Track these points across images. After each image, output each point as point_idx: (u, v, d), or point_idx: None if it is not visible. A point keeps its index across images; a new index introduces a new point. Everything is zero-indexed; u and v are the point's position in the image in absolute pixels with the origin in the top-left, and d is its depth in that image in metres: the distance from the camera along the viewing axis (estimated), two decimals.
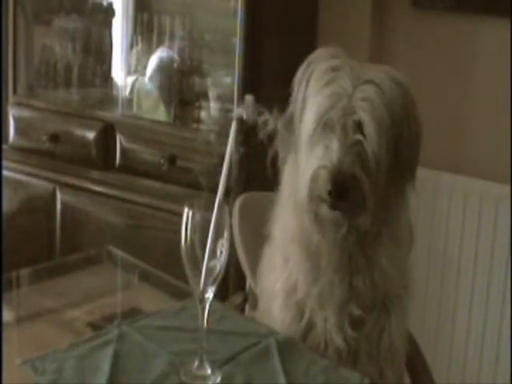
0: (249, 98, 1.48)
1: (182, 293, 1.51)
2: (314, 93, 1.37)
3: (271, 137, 1.48)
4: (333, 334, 1.46)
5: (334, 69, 1.37)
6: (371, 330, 1.48)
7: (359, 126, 1.32)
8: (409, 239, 1.55)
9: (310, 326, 1.48)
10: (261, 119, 1.49)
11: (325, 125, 1.34)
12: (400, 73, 1.39)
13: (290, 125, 1.42)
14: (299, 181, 1.38)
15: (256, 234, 1.62)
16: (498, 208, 2.36)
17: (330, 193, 1.31)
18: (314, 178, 1.33)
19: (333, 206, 1.34)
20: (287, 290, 1.50)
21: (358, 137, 1.32)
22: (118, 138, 2.62)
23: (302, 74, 1.41)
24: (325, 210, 1.35)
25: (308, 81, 1.39)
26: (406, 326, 1.57)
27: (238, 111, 1.48)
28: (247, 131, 1.46)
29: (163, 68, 2.68)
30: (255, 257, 1.65)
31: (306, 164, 1.37)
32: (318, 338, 1.47)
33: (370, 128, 1.31)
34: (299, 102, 1.40)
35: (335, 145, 1.31)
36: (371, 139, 1.32)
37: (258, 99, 1.50)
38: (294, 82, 1.42)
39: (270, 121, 1.49)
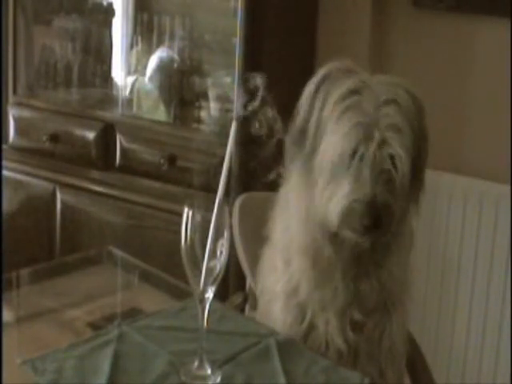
0: (255, 74, 1.43)
1: (182, 293, 1.50)
2: (335, 117, 1.35)
3: (277, 149, 1.46)
4: (334, 335, 1.45)
5: (353, 91, 1.34)
6: (372, 331, 1.48)
7: (391, 157, 1.33)
8: (409, 239, 1.55)
9: (311, 328, 1.48)
10: (264, 110, 1.46)
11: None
12: (408, 81, 1.39)
13: (299, 140, 1.40)
14: (319, 206, 1.37)
15: (256, 234, 1.62)
16: (498, 208, 2.36)
17: (365, 226, 1.31)
18: (348, 212, 1.32)
19: (363, 234, 1.34)
20: (288, 292, 1.49)
21: (389, 167, 1.32)
22: (118, 138, 2.62)
23: (315, 91, 1.38)
24: (353, 236, 1.35)
25: (323, 102, 1.37)
26: (406, 327, 1.57)
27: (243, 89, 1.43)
28: (250, 135, 1.44)
29: (163, 68, 2.67)
30: (255, 257, 1.65)
31: (332, 192, 1.35)
32: (319, 340, 1.47)
33: (401, 160, 1.32)
34: (313, 121, 1.38)
35: (367, 176, 1.31)
36: (402, 169, 1.33)
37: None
38: (303, 97, 1.40)
39: (270, 114, 1.47)
